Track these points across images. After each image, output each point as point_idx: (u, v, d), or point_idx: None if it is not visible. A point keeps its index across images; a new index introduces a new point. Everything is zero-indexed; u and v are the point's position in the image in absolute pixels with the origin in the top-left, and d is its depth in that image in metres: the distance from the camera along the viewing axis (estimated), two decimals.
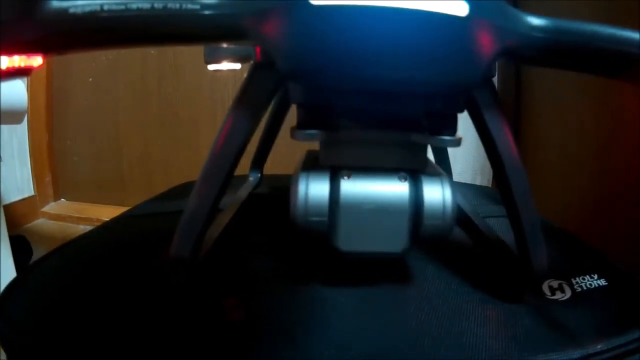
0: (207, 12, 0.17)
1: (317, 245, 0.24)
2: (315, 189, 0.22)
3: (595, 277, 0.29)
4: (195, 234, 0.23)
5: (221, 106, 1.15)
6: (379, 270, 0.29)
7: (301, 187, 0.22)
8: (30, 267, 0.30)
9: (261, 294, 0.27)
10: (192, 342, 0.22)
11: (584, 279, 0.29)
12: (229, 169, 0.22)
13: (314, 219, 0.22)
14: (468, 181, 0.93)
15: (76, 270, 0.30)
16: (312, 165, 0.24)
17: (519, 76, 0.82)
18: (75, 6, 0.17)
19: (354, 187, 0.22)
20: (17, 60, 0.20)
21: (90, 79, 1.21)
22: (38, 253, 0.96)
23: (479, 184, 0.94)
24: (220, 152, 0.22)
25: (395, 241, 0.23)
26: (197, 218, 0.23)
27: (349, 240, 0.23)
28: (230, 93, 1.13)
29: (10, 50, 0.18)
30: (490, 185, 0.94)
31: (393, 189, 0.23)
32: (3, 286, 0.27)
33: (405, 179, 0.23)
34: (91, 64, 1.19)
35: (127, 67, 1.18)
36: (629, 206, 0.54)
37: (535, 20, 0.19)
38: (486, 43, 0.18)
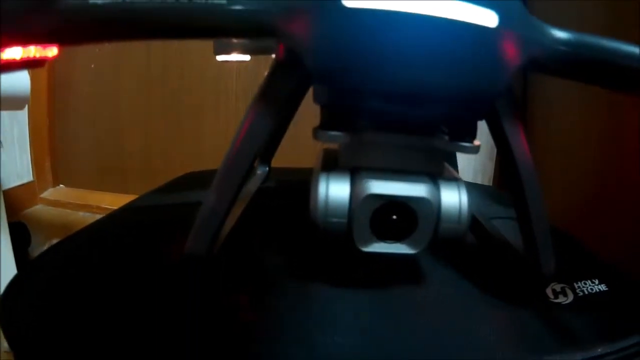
0: (234, 7, 0.17)
1: (330, 244, 0.24)
2: (335, 191, 0.22)
3: (597, 282, 0.29)
4: (212, 231, 0.23)
5: (225, 95, 1.14)
6: (390, 271, 0.29)
7: (321, 188, 0.22)
8: (34, 261, 0.30)
9: (274, 291, 0.27)
10: (203, 340, 0.22)
11: (585, 283, 0.29)
12: (248, 166, 0.22)
13: (334, 220, 0.22)
14: (469, 179, 0.93)
15: (82, 264, 0.30)
16: (331, 165, 0.24)
17: (526, 80, 0.82)
18: None
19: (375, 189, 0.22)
20: (32, 51, 0.20)
21: (93, 65, 1.20)
22: (36, 239, 0.95)
23: (479, 182, 0.94)
24: (240, 149, 0.22)
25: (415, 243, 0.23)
26: (216, 215, 0.23)
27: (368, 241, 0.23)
28: (235, 82, 1.13)
29: (26, 41, 0.17)
30: (491, 184, 0.95)
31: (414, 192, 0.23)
32: (2, 274, 0.27)
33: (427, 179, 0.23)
34: (94, 50, 1.18)
35: (130, 54, 1.17)
36: (632, 209, 0.55)
37: (559, 33, 0.20)
38: (512, 53, 0.18)
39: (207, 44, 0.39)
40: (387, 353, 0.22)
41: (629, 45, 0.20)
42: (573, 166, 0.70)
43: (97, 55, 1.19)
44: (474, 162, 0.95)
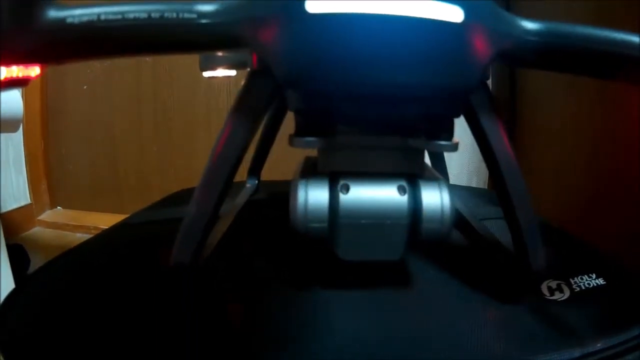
0: (204, 21, 0.17)
1: (317, 250, 0.24)
2: (314, 196, 0.23)
3: (594, 276, 0.29)
4: (196, 241, 0.23)
5: (216, 112, 1.15)
6: (379, 273, 0.29)
7: (300, 194, 0.22)
8: (30, 277, 0.30)
9: (262, 299, 0.27)
10: (193, 348, 0.22)
11: (582, 278, 0.29)
12: (228, 176, 0.22)
13: (314, 225, 0.23)
14: (464, 183, 0.94)
15: (76, 279, 0.30)
16: (310, 171, 0.24)
17: (514, 76, 0.82)
18: (73, 16, 0.17)
19: (352, 197, 0.23)
20: (15, 71, 0.20)
21: (85, 87, 1.21)
22: (35, 261, 0.95)
23: (474, 185, 0.94)
24: (219, 159, 0.22)
25: (393, 249, 0.24)
26: (198, 224, 0.23)
27: (348, 249, 0.23)
28: (225, 99, 1.14)
29: (8, 61, 0.18)
30: (485, 187, 0.95)
31: (392, 200, 0.23)
32: (2, 296, 0.27)
33: (404, 190, 0.23)
34: (86, 72, 1.19)
35: (121, 74, 1.18)
36: (624, 204, 0.55)
37: (529, 24, 0.20)
38: (481, 47, 0.18)
39: (195, 62, 0.39)
40: (379, 355, 0.22)
41: (602, 30, 0.20)
42: (565, 162, 0.70)
43: (89, 77, 1.20)
44: (468, 166, 0.95)
